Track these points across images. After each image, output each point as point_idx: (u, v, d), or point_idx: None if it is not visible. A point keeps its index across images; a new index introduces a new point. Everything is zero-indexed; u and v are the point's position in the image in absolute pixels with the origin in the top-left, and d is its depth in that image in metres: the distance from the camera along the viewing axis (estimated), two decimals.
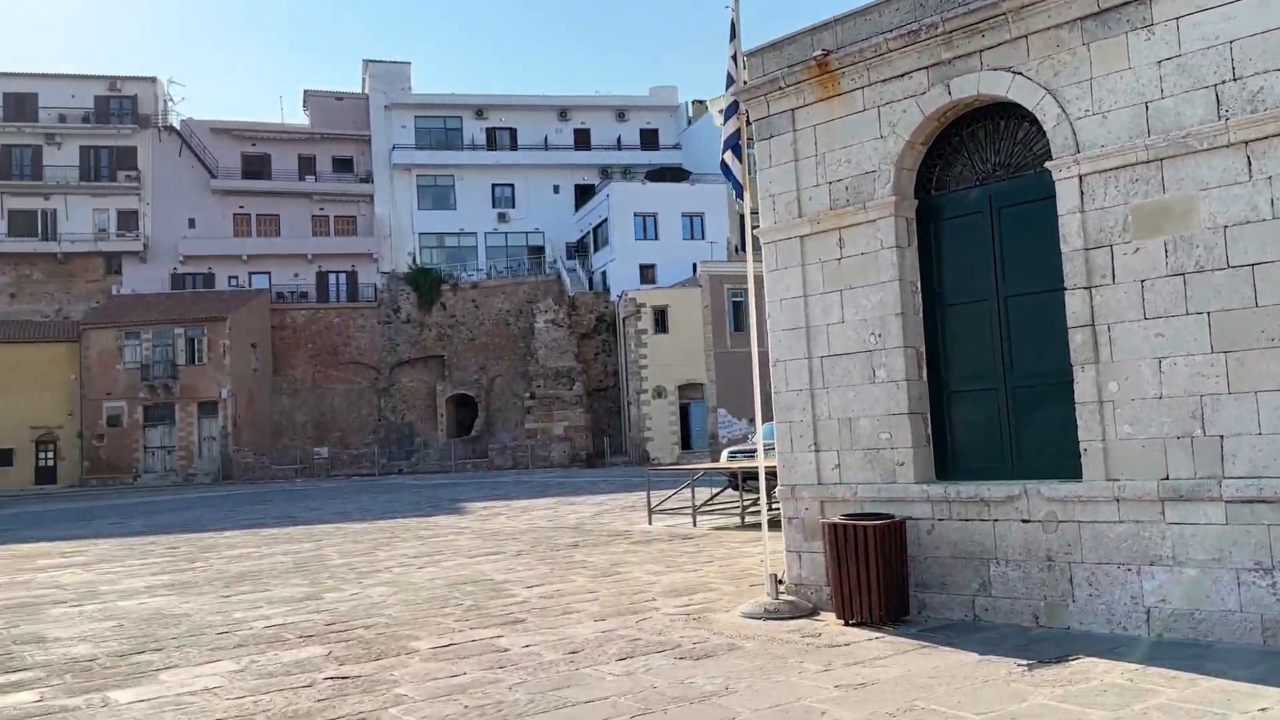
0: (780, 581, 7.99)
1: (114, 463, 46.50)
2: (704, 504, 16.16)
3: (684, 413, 46.03)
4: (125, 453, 46.60)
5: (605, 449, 47.66)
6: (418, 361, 54.79)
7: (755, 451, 24.05)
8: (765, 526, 8.74)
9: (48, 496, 40.76)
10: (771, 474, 8.84)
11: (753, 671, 6.13)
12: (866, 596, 7.16)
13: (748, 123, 9.01)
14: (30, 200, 52.44)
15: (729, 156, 8.91)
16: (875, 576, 7.12)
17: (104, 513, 28.15)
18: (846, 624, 7.29)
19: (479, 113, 58.12)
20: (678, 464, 23.07)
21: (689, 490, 17.04)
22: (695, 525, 15.65)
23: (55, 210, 52.53)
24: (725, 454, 24.43)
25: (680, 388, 45.70)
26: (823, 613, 7.76)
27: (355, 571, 12.38)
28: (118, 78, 55.07)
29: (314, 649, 7.55)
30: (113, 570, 14.19)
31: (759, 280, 9.07)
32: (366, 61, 58.51)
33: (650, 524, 16.36)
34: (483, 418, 53.27)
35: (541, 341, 50.11)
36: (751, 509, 15.81)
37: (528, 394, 49.59)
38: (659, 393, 45.62)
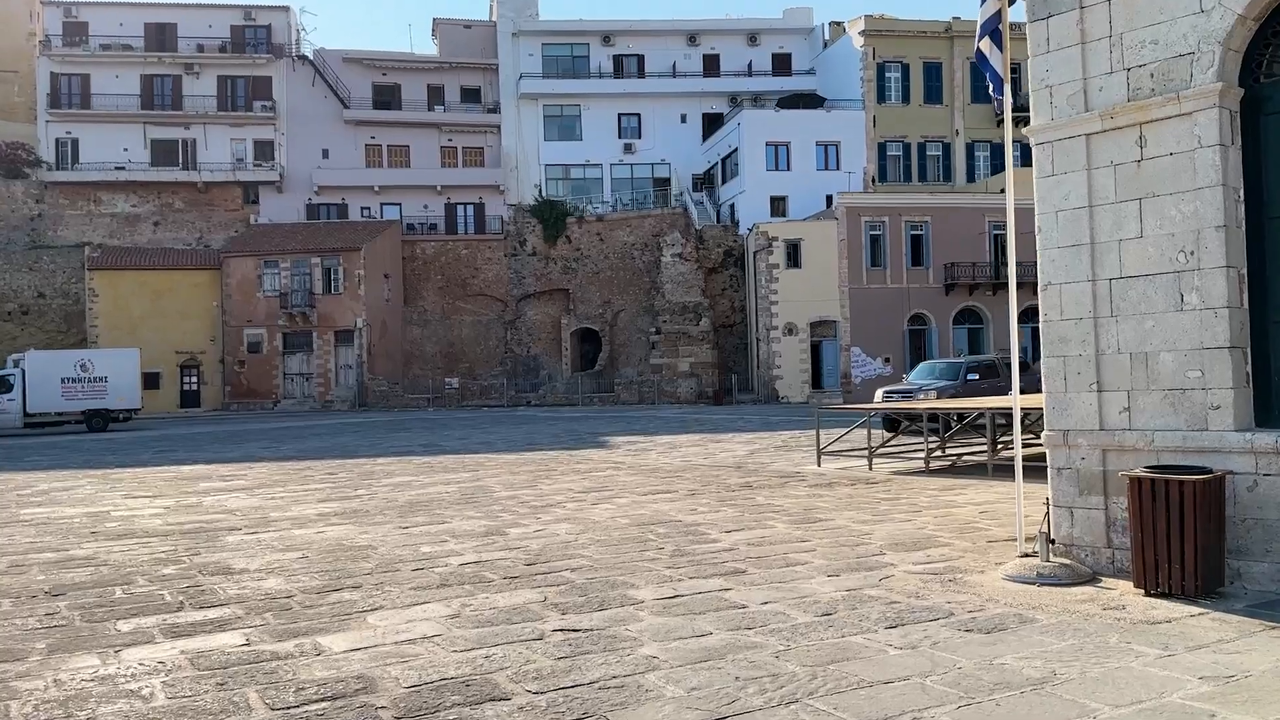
0: (1052, 541, 6.88)
1: (255, 388, 47.92)
2: (879, 446, 15.00)
3: (815, 351, 44.57)
4: (265, 379, 47.96)
5: (733, 386, 46.67)
6: (543, 295, 54.59)
7: (911, 391, 22.75)
8: (1019, 475, 7.61)
9: (193, 419, 42.24)
10: (1026, 414, 7.66)
11: (1072, 652, 5.09)
12: (1178, 564, 6.01)
13: (1011, 1, 7.65)
14: (171, 130, 53.78)
15: (986, 44, 7.60)
16: (1191, 541, 5.95)
17: (252, 436, 28.72)
18: (1148, 594, 6.16)
19: (606, 39, 56.72)
20: (843, 404, 21.92)
21: (858, 430, 15.90)
22: (871, 469, 14.55)
23: (195, 140, 53.77)
24: (880, 394, 23.15)
25: (812, 325, 44.19)
26: (1104, 579, 6.64)
27: (527, 506, 11.77)
28: (252, 7, 55.63)
29: (525, 593, 6.85)
30: (278, 496, 14.00)
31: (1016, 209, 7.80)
32: None
33: (819, 465, 15.33)
34: (607, 352, 52.88)
35: (668, 276, 49.13)
36: (938, 453, 14.63)
37: (653, 329, 48.84)
38: (790, 330, 44.22)
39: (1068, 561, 6.77)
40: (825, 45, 56.22)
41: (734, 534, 8.98)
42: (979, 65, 7.76)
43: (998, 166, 50.95)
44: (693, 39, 56.96)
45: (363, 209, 54.43)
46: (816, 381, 44.27)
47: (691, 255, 48.96)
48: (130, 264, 49.09)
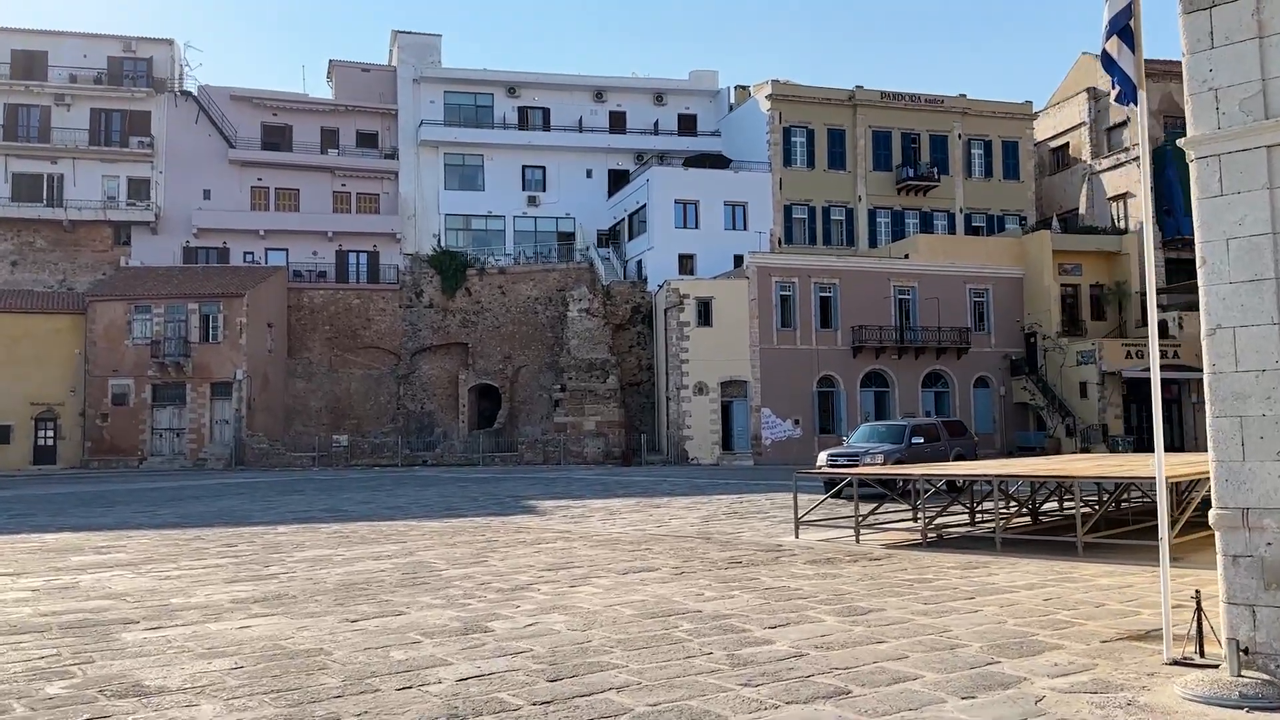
0: (1245, 650, 5.51)
1: (118, 444, 43.77)
2: (866, 516, 13.63)
3: (725, 411, 43.54)
4: (131, 434, 43.87)
5: (642, 446, 45.14)
6: (439, 349, 52.19)
7: (857, 455, 21.71)
8: (1165, 559, 6.26)
9: (49, 478, 38.09)
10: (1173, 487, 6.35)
11: None
12: None
13: None
14: (36, 164, 49.66)
15: (1114, 44, 6.41)
16: None
17: (121, 498, 25.56)
18: None
19: (511, 90, 55.54)
20: (819, 467, 20.59)
21: (789, 497, 14.51)
22: (858, 541, 13.16)
23: (62, 175, 49.75)
24: (823, 457, 22.01)
25: (723, 384, 43.21)
26: None
27: (492, 589, 9.88)
28: (132, 39, 52.32)
29: None
30: (172, 574, 11.66)
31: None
32: (395, 32, 55.88)
33: (798, 536, 13.87)
34: (507, 409, 50.72)
35: (574, 331, 47.55)
36: (939, 525, 13.34)
37: (558, 386, 47.04)
38: (700, 389, 43.13)
39: (1267, 676, 5.40)
40: (731, 108, 56.42)
41: (780, 630, 7.36)
42: (1105, 68, 6.56)
43: (898, 233, 51.63)
44: (599, 95, 56.36)
45: (246, 254, 51.21)
46: (727, 443, 43.17)
47: (599, 311, 47.56)
48: None
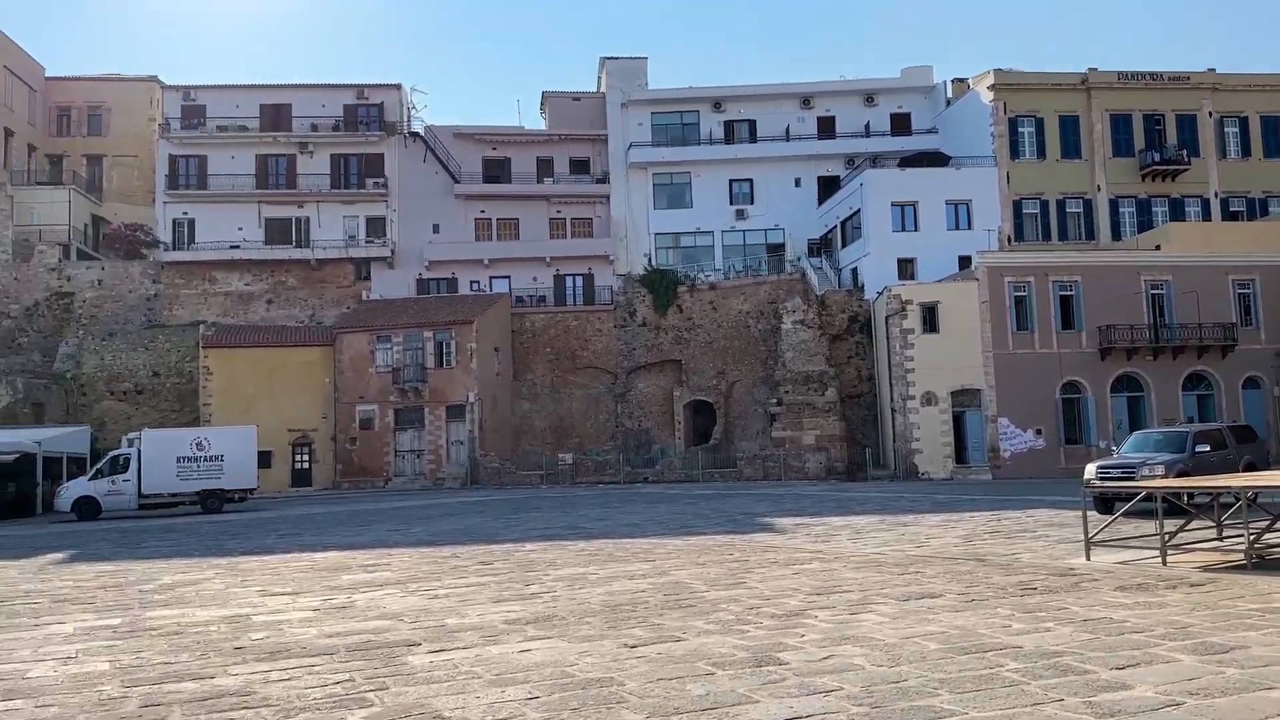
0: None
1: (366, 466, 46.59)
2: (1173, 534, 12.05)
3: (957, 422, 41.21)
4: (377, 456, 46.62)
5: (866, 461, 43.50)
6: (654, 366, 52.56)
7: (1133, 467, 19.65)
8: None
9: (307, 499, 40.89)
10: None
11: None
12: None
13: None
14: (284, 209, 53.92)
15: None
16: None
17: (373, 517, 26.87)
18: None
19: (716, 105, 55.44)
20: (1086, 481, 18.93)
21: (1074, 512, 12.97)
22: (1165, 564, 11.62)
23: (308, 218, 53.80)
24: (1092, 470, 20.06)
25: (953, 394, 40.94)
26: None
27: (761, 614, 9.26)
28: (364, 86, 56.02)
29: None
30: (439, 593, 11.78)
31: None
32: (603, 59, 57.04)
33: (1089, 558, 12.46)
34: (722, 425, 50.33)
35: (789, 344, 46.56)
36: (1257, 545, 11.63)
37: (774, 400, 46.14)
38: (928, 399, 41.05)
39: None
40: (948, 103, 53.89)
41: (1132, 672, 6.29)
42: None
43: (1144, 223, 47.55)
44: (806, 102, 55.29)
45: (472, 282, 53.52)
46: (960, 456, 40.85)
47: (814, 322, 46.36)
48: (244, 342, 48.73)
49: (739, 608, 9.76)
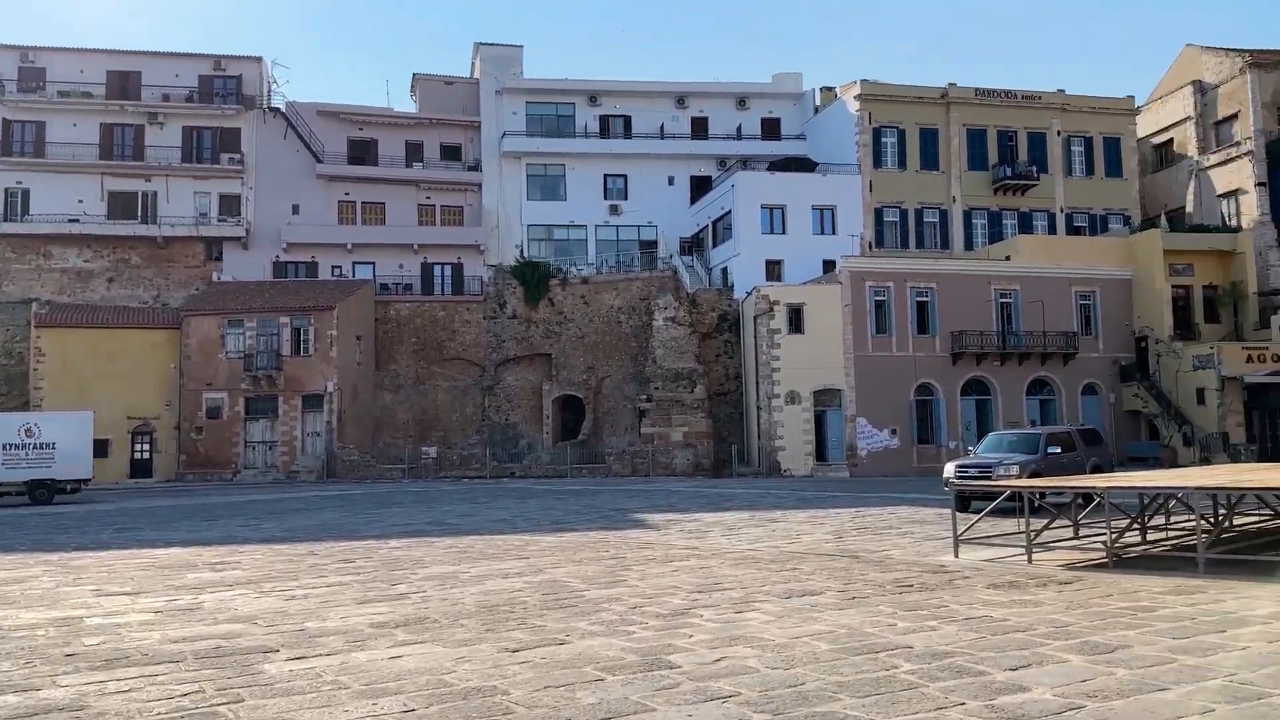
0: None
1: (213, 457, 44.16)
2: (1038, 533, 12.39)
3: (818, 421, 42.17)
4: (225, 446, 44.24)
5: (732, 458, 44.03)
6: (523, 359, 51.83)
7: (990, 466, 20.35)
8: None
9: (147, 491, 38.46)
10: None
11: None
12: None
13: None
14: (131, 182, 50.60)
15: None
16: None
17: (221, 511, 25.38)
18: None
19: (592, 99, 55.08)
20: (945, 480, 19.38)
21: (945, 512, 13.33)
22: (1031, 562, 11.95)
23: (156, 193, 50.63)
24: (951, 469, 20.70)
25: (815, 393, 41.86)
26: None
27: (644, 613, 8.98)
28: (222, 57, 53.15)
29: None
30: (294, 592, 11.03)
31: None
32: (478, 45, 55.89)
33: (957, 556, 12.71)
34: (591, 420, 50.09)
35: (660, 340, 46.68)
36: (1135, 542, 12.05)
37: (644, 396, 46.19)
38: (792, 398, 41.85)
39: None
40: (816, 110, 55.14)
41: (1026, 673, 6.27)
42: None
43: (995, 235, 49.79)
44: (681, 101, 55.58)
45: (334, 268, 51.51)
46: (820, 454, 41.82)
47: (684, 319, 46.62)
48: (81, 322, 45.48)
49: (622, 607, 9.44)
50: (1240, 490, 11.21)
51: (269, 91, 53.71)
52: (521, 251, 52.80)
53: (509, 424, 51.56)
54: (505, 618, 9.04)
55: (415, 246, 52.22)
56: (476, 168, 53.89)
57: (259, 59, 53.55)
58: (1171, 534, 13.67)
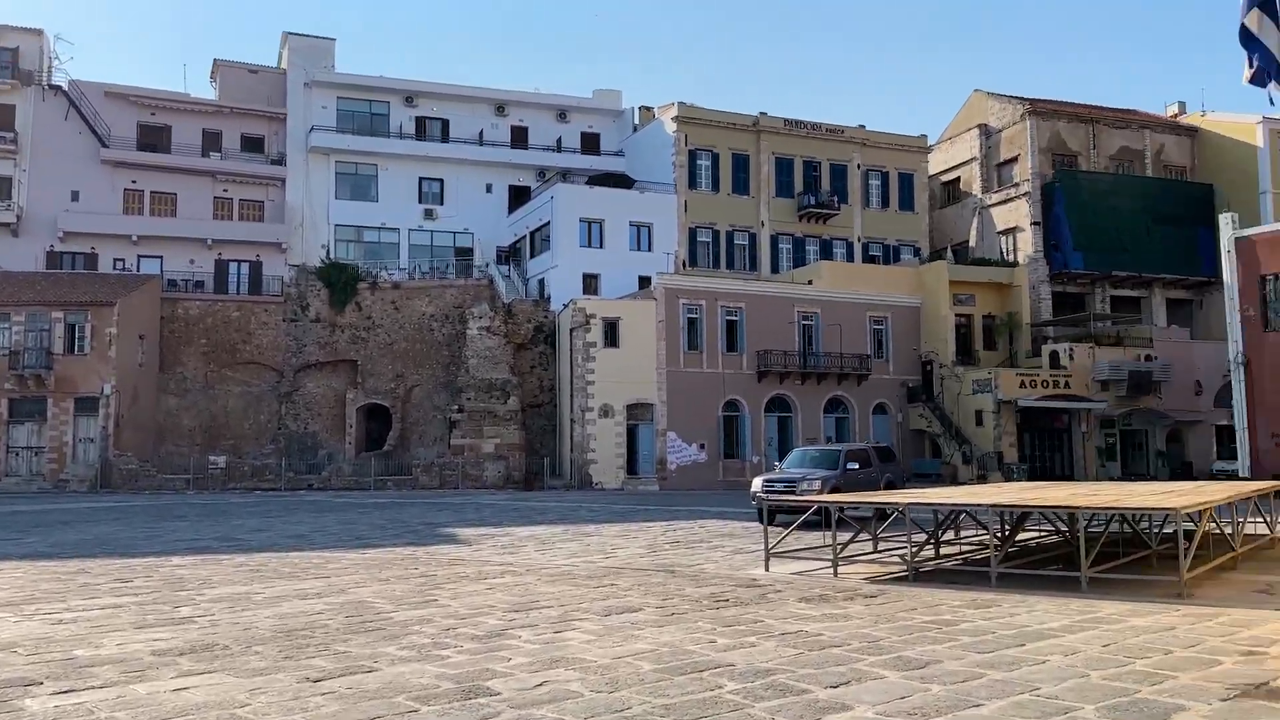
0: None
1: None
2: (844, 546, 12.80)
3: (630, 434, 42.57)
4: None
5: (544, 470, 43.72)
6: (326, 365, 49.65)
7: (794, 481, 21.02)
8: None
9: None
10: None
11: None
12: None
13: None
14: None
15: (1254, 18, 5.70)
16: None
17: None
18: None
19: (409, 100, 53.67)
20: (753, 494, 19.78)
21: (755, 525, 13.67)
22: (836, 575, 12.32)
23: None
24: (758, 484, 21.25)
25: (629, 407, 42.26)
26: None
27: (463, 637, 8.57)
28: None
29: None
30: (62, 616, 9.90)
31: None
32: (286, 34, 53.34)
33: (768, 569, 12.95)
34: (398, 431, 48.53)
35: (474, 350, 45.88)
36: (931, 556, 12.58)
37: (455, 407, 45.23)
38: (605, 411, 42.07)
39: None
40: (635, 129, 55.93)
41: (847, 690, 6.33)
42: (1243, 44, 5.83)
43: (799, 260, 51.96)
44: (501, 109, 55.05)
45: (116, 260, 47.70)
46: (631, 467, 42.19)
47: (500, 329, 46.03)
48: None
49: (433, 629, 8.98)
50: (1027, 508, 11.96)
51: (50, 68, 49.24)
52: (328, 252, 50.68)
53: (308, 433, 49.20)
54: (305, 643, 8.40)
55: (209, 242, 49.11)
56: (281, 162, 51.35)
57: (39, 31, 49.17)
58: (963, 549, 14.48)
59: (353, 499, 34.69)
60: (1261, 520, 14.73)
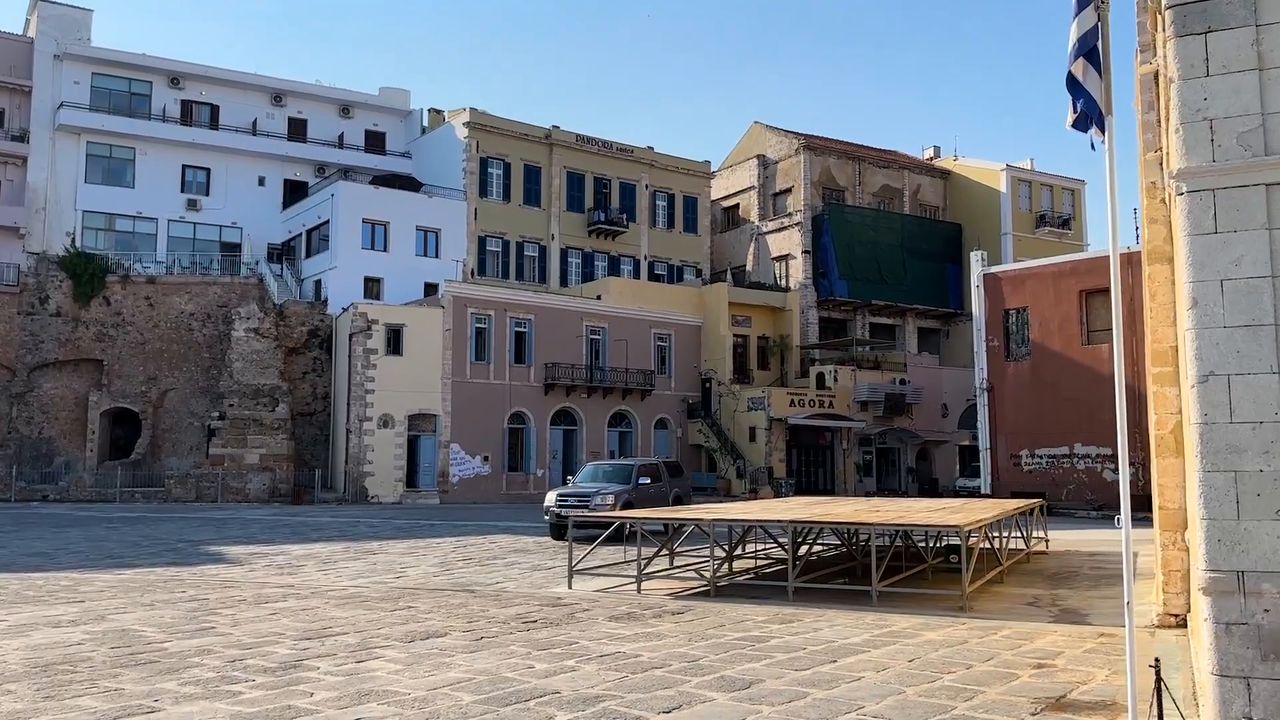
0: None
1: None
2: (649, 561, 12.81)
3: (411, 446, 41.22)
4: None
5: (315, 483, 41.48)
6: (66, 365, 44.94)
7: (588, 495, 20.96)
8: (1131, 623, 5.94)
9: None
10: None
11: None
12: None
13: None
14: None
15: (1080, 66, 6.12)
16: None
17: None
18: None
19: (174, 81, 49.74)
20: (546, 509, 19.47)
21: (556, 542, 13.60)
22: (640, 591, 12.31)
23: None
24: (552, 498, 21.05)
25: (410, 417, 40.91)
26: None
27: (253, 670, 7.83)
28: None
29: None
30: None
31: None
32: (36, 0, 48.14)
33: (570, 586, 12.76)
34: (148, 438, 44.60)
35: (239, 353, 42.96)
36: (735, 571, 12.75)
37: (216, 413, 42.15)
38: (385, 422, 40.52)
39: None
40: (423, 130, 54.52)
41: (680, 716, 6.25)
42: (1069, 91, 6.22)
43: (588, 274, 52.35)
44: (278, 99, 52.08)
45: None
46: (411, 480, 40.84)
47: (270, 332, 43.32)
48: None
49: (217, 661, 8.15)
50: (818, 523, 12.43)
51: None
52: (74, 240, 45.98)
53: (43, 438, 44.31)
54: (68, 679, 7.39)
55: None
56: (22, 138, 46.13)
57: None
58: (757, 562, 14.89)
59: (96, 512, 31.50)
60: (1019, 535, 16.08)
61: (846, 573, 13.69)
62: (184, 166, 49.23)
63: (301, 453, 43.36)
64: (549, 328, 43.67)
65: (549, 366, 43.34)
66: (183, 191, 49.08)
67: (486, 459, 41.67)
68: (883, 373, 49.53)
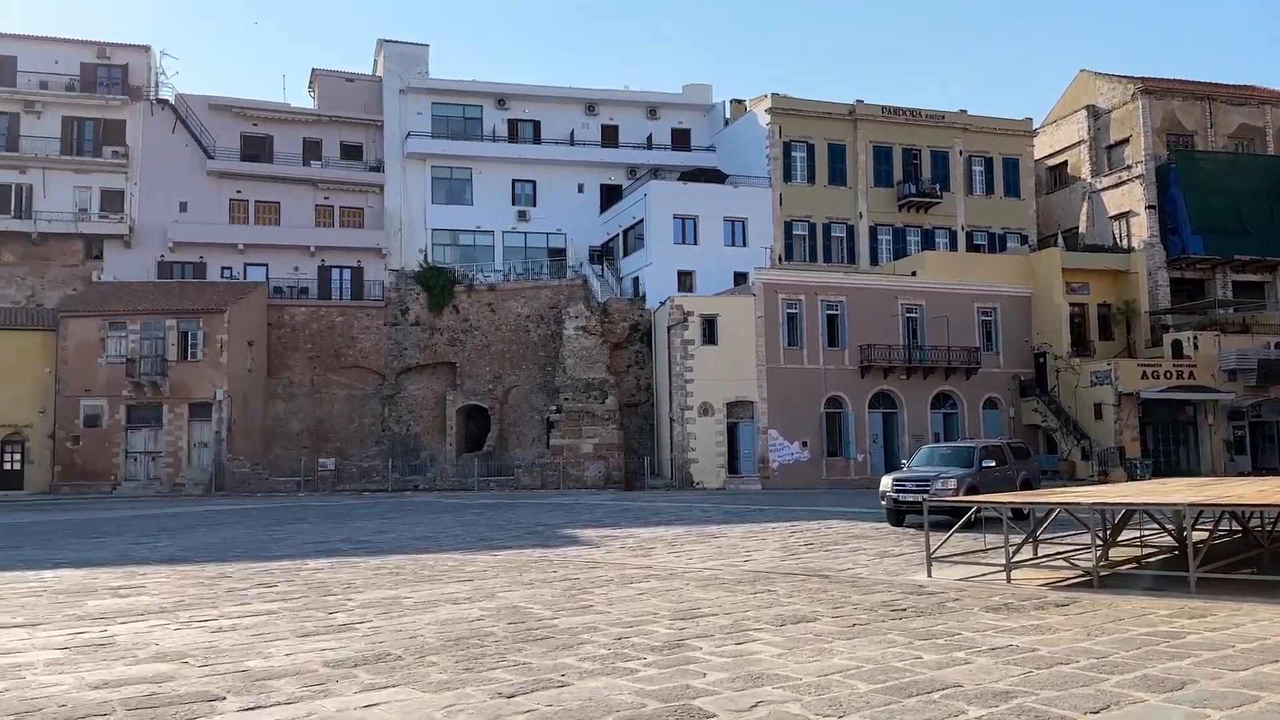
0: None
1: (90, 468, 41.10)
2: (1017, 549, 12.00)
3: (730, 433, 41.89)
4: (104, 457, 41.23)
5: (644, 470, 43.34)
6: (426, 368, 50.14)
7: (927, 480, 20.15)
8: None
9: (17, 505, 35.40)
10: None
11: None
12: None
13: None
14: (3, 174, 47.01)
15: None
16: None
17: (108, 527, 23.30)
18: None
19: (501, 102, 53.89)
20: (882, 494, 19.10)
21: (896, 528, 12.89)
22: (1009, 580, 11.53)
23: (32, 185, 47.15)
24: (888, 482, 20.42)
25: (729, 405, 41.59)
26: None
27: (640, 649, 8.11)
28: (106, 44, 49.95)
29: None
30: (220, 623, 9.76)
31: None
32: (381, 41, 54.01)
33: (930, 574, 12.22)
34: (496, 432, 48.74)
35: (570, 350, 45.75)
36: (1071, 559, 11.70)
37: (553, 407, 45.16)
38: (705, 410, 41.48)
39: None
40: (726, 123, 55.20)
41: (1118, 716, 5.68)
42: None
43: (899, 251, 50.58)
44: (591, 108, 54.89)
45: (224, 269, 48.87)
46: (733, 466, 41.52)
47: (595, 329, 45.80)
48: None
49: (605, 639, 8.54)
50: (1219, 506, 11.01)
51: (157, 82, 50.70)
52: (425, 256, 51.18)
53: (410, 435, 49.74)
54: (479, 653, 8.04)
55: (312, 249, 49.98)
56: (378, 168, 52.03)
57: (146, 48, 50.54)
58: (1142, 551, 13.51)
59: (460, 500, 34.79)
60: None
61: (1250, 562, 12.06)
62: (513, 181, 53.20)
63: (629, 441, 45.43)
64: (862, 308, 42.63)
65: (864, 348, 42.31)
66: (513, 204, 53.05)
67: (805, 444, 41.44)
68: (1253, 336, 43.74)
